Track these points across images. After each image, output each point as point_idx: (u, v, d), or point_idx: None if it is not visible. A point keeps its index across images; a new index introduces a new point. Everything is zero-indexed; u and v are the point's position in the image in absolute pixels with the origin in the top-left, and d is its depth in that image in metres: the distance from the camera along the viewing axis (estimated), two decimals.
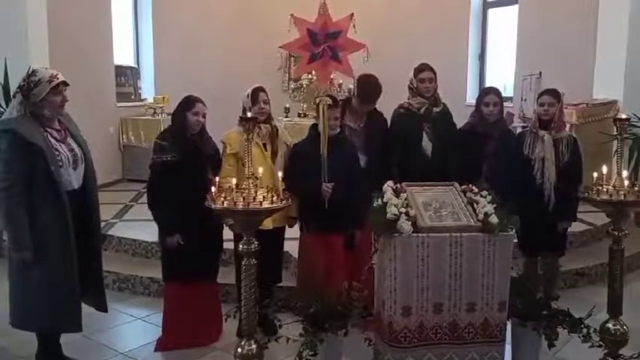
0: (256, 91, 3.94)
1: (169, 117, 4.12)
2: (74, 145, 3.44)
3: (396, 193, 3.32)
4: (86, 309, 3.59)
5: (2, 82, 6.00)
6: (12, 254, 3.31)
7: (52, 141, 3.33)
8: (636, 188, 3.18)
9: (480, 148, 4.24)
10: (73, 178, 3.40)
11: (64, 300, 3.38)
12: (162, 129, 7.14)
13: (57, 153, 3.31)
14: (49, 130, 3.35)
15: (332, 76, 4.48)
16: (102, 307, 3.67)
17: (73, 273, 3.37)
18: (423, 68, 4.32)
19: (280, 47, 4.01)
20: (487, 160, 4.22)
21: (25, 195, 3.24)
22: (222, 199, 2.75)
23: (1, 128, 3.31)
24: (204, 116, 3.85)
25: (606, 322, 3.34)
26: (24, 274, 3.34)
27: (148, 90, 9.14)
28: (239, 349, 2.91)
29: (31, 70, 3.40)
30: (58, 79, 3.32)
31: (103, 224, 3.84)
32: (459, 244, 3.14)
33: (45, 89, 3.27)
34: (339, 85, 8.10)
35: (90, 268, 3.53)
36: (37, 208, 3.27)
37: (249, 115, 3.00)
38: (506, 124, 4.71)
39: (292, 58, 9.24)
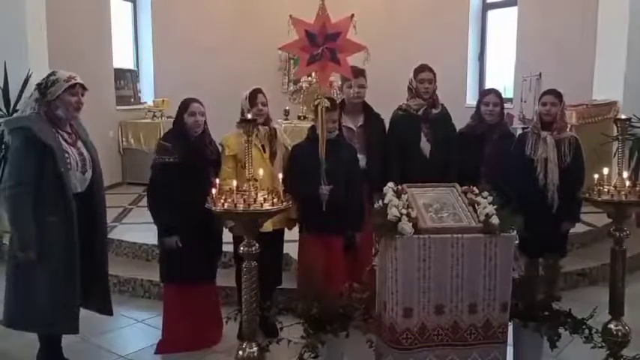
0: (254, 93, 3.93)
1: (169, 120, 4.12)
2: (84, 150, 3.45)
3: (397, 194, 3.31)
4: (86, 312, 3.58)
5: (2, 86, 6.00)
6: (16, 253, 3.29)
7: (63, 143, 3.34)
8: (637, 188, 3.18)
9: (479, 150, 4.23)
10: (79, 182, 3.40)
11: (64, 302, 3.36)
12: (162, 132, 7.16)
13: (66, 155, 3.32)
14: (61, 132, 3.37)
15: (331, 79, 4.46)
16: (106, 311, 3.66)
17: (75, 275, 3.36)
18: (422, 69, 4.32)
19: (280, 48, 4.00)
20: (486, 162, 4.21)
21: (33, 194, 3.24)
22: (222, 201, 2.74)
23: (15, 125, 3.35)
24: (201, 114, 3.83)
25: (608, 322, 3.33)
26: (26, 275, 3.33)
27: (147, 93, 9.13)
28: (240, 352, 2.91)
29: (51, 71, 3.44)
30: (75, 80, 3.36)
31: None
32: (460, 245, 3.13)
33: (61, 88, 3.30)
34: (339, 88, 8.07)
35: (95, 272, 3.52)
36: (42, 208, 3.26)
37: (248, 116, 2.99)
38: (507, 126, 4.70)
39: (292, 61, 9.25)
